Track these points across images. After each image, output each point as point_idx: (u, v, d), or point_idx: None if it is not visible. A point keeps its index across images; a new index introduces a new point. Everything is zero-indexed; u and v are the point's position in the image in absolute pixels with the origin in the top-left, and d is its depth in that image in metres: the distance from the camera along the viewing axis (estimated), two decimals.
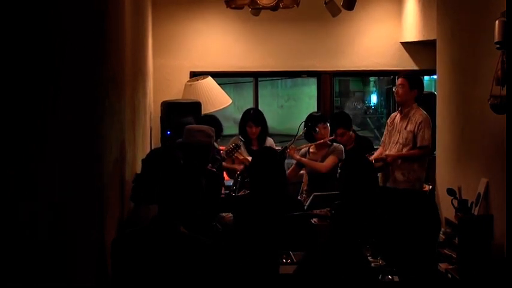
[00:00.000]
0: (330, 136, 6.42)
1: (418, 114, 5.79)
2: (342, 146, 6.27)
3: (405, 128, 5.79)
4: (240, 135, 6.48)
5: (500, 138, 3.94)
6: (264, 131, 6.53)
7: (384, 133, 6.19)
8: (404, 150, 5.76)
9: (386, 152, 5.88)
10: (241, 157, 6.31)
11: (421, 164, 5.71)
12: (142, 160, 4.28)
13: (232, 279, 3.81)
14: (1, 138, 1.70)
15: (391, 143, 5.89)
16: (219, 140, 5.76)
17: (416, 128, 5.72)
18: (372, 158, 5.94)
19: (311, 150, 6.32)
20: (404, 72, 7.77)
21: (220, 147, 6.09)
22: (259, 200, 4.36)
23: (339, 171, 4.53)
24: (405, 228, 4.30)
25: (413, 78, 5.99)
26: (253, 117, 6.50)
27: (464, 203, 4.38)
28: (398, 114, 5.95)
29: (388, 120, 6.13)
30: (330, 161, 6.14)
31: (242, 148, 6.43)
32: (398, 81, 5.96)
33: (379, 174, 5.90)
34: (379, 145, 6.52)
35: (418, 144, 5.69)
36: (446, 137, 5.30)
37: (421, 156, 5.70)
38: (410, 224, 4.44)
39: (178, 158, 4.04)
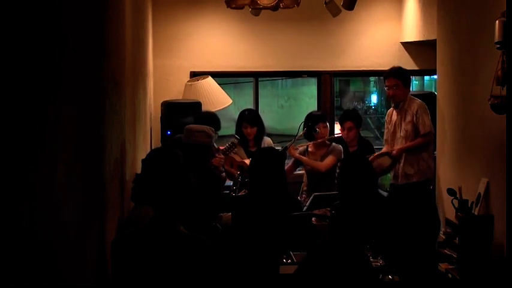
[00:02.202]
0: (330, 135, 6.43)
1: (413, 103, 5.81)
2: (340, 146, 6.28)
3: (404, 121, 5.80)
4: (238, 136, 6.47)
5: (500, 138, 3.94)
6: (261, 132, 6.52)
7: (385, 132, 6.21)
8: (408, 142, 5.77)
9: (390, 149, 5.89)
10: (238, 159, 6.31)
11: (428, 152, 5.72)
12: (142, 160, 4.28)
13: (232, 279, 3.81)
14: (1, 138, 1.70)
15: (395, 140, 5.90)
16: (216, 136, 5.74)
17: (414, 118, 5.73)
18: (374, 155, 5.96)
19: (310, 150, 6.33)
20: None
21: (219, 147, 6.08)
22: (259, 200, 4.36)
23: (338, 171, 4.53)
24: (405, 228, 4.29)
25: (403, 75, 5.93)
26: (248, 118, 6.50)
27: (464, 203, 4.38)
28: (394, 110, 5.95)
29: (386, 118, 6.15)
30: (329, 160, 6.16)
31: (240, 150, 6.42)
32: (390, 81, 5.86)
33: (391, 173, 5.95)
34: (380, 145, 6.53)
35: (421, 133, 5.71)
36: (446, 137, 5.30)
37: (426, 143, 5.70)
38: (410, 224, 4.44)
39: (178, 157, 4.04)
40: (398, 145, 5.85)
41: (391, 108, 6.09)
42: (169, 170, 3.21)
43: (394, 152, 5.79)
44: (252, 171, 4.58)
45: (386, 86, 5.98)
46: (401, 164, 5.80)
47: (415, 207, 5.36)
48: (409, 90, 5.93)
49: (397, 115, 5.88)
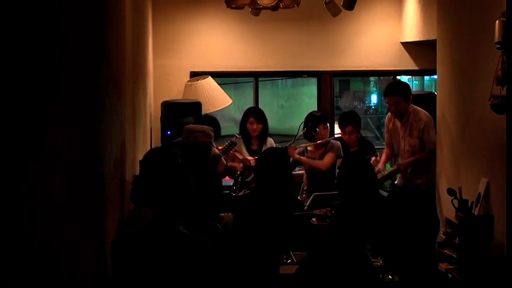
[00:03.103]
0: (331, 136, 6.44)
1: (418, 118, 5.86)
2: (339, 142, 6.29)
3: (410, 136, 5.86)
4: (241, 134, 6.47)
5: (500, 138, 3.94)
6: (265, 130, 6.52)
7: (385, 135, 6.24)
8: (415, 156, 5.84)
9: (399, 160, 5.95)
10: (241, 157, 6.31)
11: (435, 162, 5.76)
12: (140, 161, 4.28)
13: (232, 279, 3.81)
14: (1, 138, 1.70)
15: (400, 150, 5.95)
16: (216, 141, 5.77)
17: (421, 134, 5.80)
18: (379, 168, 6.00)
19: (309, 148, 6.34)
20: (402, 72, 7.82)
21: (219, 147, 6.09)
22: (260, 200, 4.36)
23: (338, 171, 4.54)
24: (405, 228, 4.30)
25: (404, 91, 5.90)
26: (255, 114, 6.49)
27: (464, 203, 4.38)
28: (398, 121, 5.99)
29: (387, 121, 6.17)
30: (328, 158, 6.16)
31: (242, 147, 6.43)
32: (392, 99, 5.84)
33: (398, 176, 6.01)
34: (380, 145, 6.56)
35: (427, 148, 5.79)
36: (446, 137, 5.29)
37: (431, 156, 5.75)
38: (410, 224, 4.44)
39: (174, 156, 4.02)
40: (404, 158, 5.90)
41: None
42: (165, 169, 3.20)
43: (401, 168, 5.87)
44: (258, 170, 4.56)
45: (387, 103, 6.00)
46: (410, 174, 5.87)
47: (417, 211, 5.38)
48: (411, 102, 5.91)
49: (401, 127, 5.92)
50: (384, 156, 6.20)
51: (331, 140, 6.30)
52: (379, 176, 5.83)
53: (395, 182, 6.14)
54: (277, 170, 4.41)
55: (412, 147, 5.86)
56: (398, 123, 5.96)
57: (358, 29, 7.79)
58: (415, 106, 5.95)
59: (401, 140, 5.94)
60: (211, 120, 5.92)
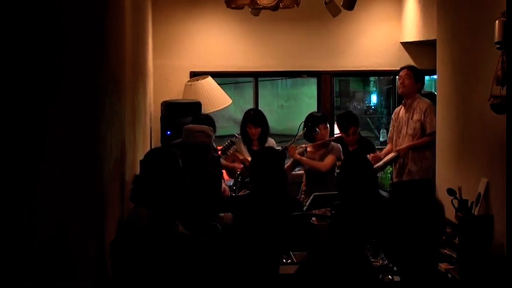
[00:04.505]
0: (331, 136, 6.45)
1: (422, 103, 6.03)
2: (339, 145, 6.31)
3: (411, 119, 5.96)
4: (241, 136, 6.48)
5: (500, 138, 3.94)
6: (265, 132, 6.52)
7: (390, 129, 6.35)
8: (414, 140, 5.92)
9: (397, 148, 6.03)
10: (241, 157, 6.32)
11: (432, 152, 5.78)
12: (140, 161, 4.28)
13: (232, 279, 3.81)
14: (1, 138, 1.70)
15: (401, 137, 6.04)
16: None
17: (423, 116, 5.93)
18: (382, 154, 6.10)
19: (309, 149, 6.34)
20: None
21: (218, 147, 6.09)
22: (259, 200, 4.36)
23: (338, 171, 4.54)
24: (407, 227, 4.29)
25: (417, 70, 6.24)
26: (252, 118, 6.50)
27: (464, 203, 4.38)
28: (403, 108, 6.12)
29: (393, 116, 6.35)
30: (329, 160, 6.17)
31: (243, 148, 6.43)
32: (404, 72, 6.15)
33: (393, 169, 6.08)
34: (380, 145, 6.61)
35: (428, 131, 5.90)
36: (446, 137, 5.29)
37: (431, 142, 5.77)
38: (412, 223, 4.43)
39: (173, 156, 4.02)
40: (405, 142, 6.00)
41: (399, 107, 6.26)
42: (165, 169, 3.20)
43: (401, 154, 5.93)
44: (252, 170, 4.58)
45: (398, 77, 6.26)
46: (406, 161, 5.93)
47: (416, 204, 5.37)
48: (419, 89, 6.18)
49: (405, 113, 6.05)
50: (385, 150, 6.30)
51: (332, 142, 6.31)
52: (379, 163, 5.93)
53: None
54: (270, 169, 4.41)
55: (413, 130, 5.97)
56: (402, 112, 6.10)
57: (358, 29, 7.79)
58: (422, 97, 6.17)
59: (403, 125, 6.05)
60: (207, 119, 5.91)
